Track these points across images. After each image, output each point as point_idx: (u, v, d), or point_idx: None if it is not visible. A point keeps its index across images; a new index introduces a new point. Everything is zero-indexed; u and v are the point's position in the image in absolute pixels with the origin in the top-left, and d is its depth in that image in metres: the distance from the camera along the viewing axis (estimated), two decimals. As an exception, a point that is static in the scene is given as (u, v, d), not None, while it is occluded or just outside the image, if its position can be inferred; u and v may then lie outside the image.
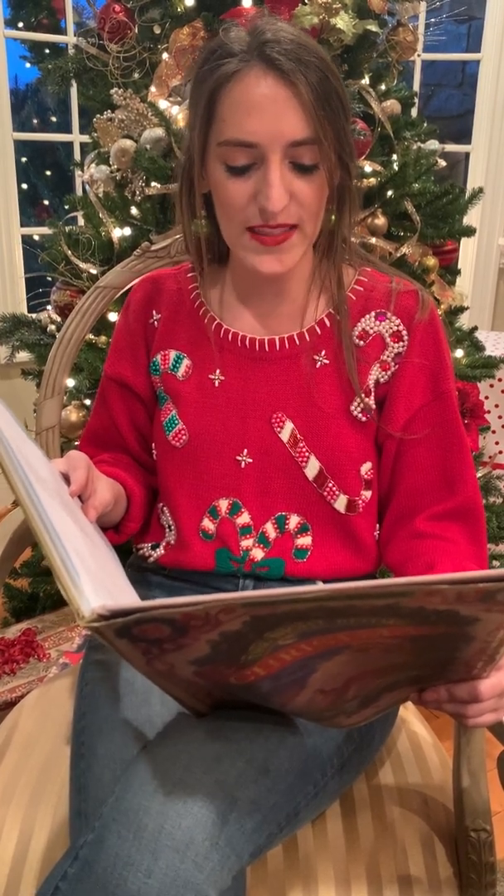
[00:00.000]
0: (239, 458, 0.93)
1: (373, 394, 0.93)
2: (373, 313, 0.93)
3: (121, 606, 0.54)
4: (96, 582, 0.61)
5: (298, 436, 0.92)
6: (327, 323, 0.94)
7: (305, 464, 0.92)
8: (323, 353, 0.93)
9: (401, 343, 0.92)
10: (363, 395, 0.91)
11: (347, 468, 0.92)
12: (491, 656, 0.65)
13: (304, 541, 0.93)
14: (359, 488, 0.93)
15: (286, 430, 0.92)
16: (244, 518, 0.93)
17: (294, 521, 0.93)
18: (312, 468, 0.92)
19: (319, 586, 0.52)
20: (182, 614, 0.54)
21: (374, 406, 0.93)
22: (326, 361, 0.93)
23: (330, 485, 0.92)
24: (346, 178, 0.88)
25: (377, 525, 0.98)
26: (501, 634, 0.61)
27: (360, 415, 0.92)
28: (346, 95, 0.85)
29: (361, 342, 0.93)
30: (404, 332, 0.92)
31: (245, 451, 0.93)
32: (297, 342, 0.93)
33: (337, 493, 0.92)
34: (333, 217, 0.92)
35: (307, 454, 0.92)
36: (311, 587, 0.52)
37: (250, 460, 0.93)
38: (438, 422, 0.93)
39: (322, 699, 0.69)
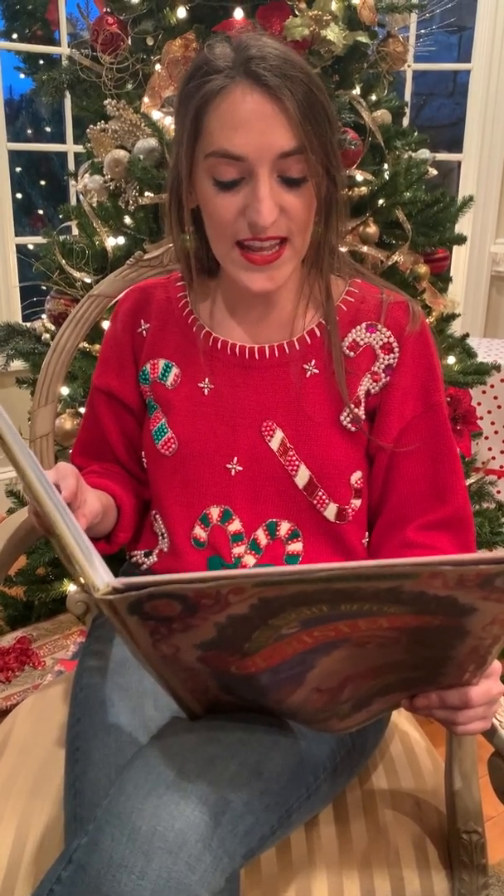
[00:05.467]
0: (229, 466, 0.94)
1: (363, 404, 0.93)
2: (363, 325, 0.94)
3: (135, 580, 0.54)
4: (104, 566, 0.62)
5: (288, 444, 0.92)
6: (317, 333, 0.94)
7: (295, 472, 0.92)
8: (313, 362, 0.94)
9: (391, 355, 0.93)
10: (352, 406, 0.92)
11: (337, 477, 0.93)
12: (483, 658, 0.66)
13: (296, 547, 0.94)
14: (348, 497, 0.94)
15: (276, 439, 0.93)
16: (235, 525, 0.94)
17: (285, 527, 0.94)
18: (302, 477, 0.92)
19: (327, 564, 0.53)
20: (194, 591, 0.54)
21: (363, 417, 0.93)
22: (316, 371, 0.94)
23: (320, 493, 0.93)
24: (333, 189, 0.89)
25: (366, 533, 0.98)
26: (495, 630, 0.62)
27: (349, 425, 0.93)
28: (331, 107, 0.86)
29: (352, 353, 0.93)
30: (395, 344, 0.93)
31: (235, 459, 0.94)
32: (287, 351, 0.94)
33: (327, 501, 0.93)
34: (320, 228, 0.93)
35: (297, 463, 0.92)
36: (320, 565, 0.53)
37: (240, 468, 0.94)
38: (429, 433, 0.94)
39: (317, 698, 0.69)
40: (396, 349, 0.93)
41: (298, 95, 0.80)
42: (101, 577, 0.58)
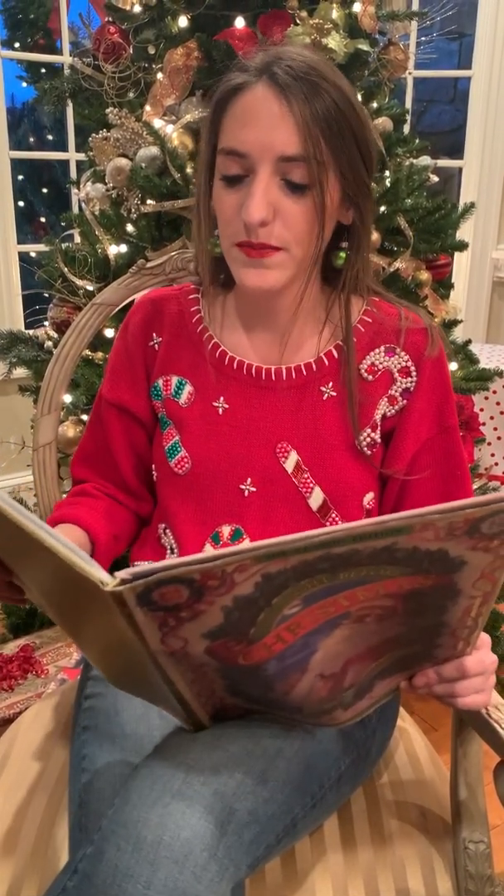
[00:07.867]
0: (242, 486, 0.92)
1: (379, 428, 0.93)
2: (382, 348, 0.93)
3: (141, 569, 0.55)
4: None
5: (303, 466, 0.91)
6: (335, 354, 0.93)
7: (310, 494, 0.91)
8: (330, 384, 0.92)
9: (409, 378, 0.92)
10: (368, 430, 0.92)
11: (350, 499, 0.92)
12: (475, 621, 0.68)
13: None
14: (360, 518, 0.93)
15: (290, 461, 0.92)
16: (246, 545, 0.93)
17: None
18: (316, 499, 0.91)
19: (324, 528, 0.55)
20: (201, 572, 0.55)
21: (379, 441, 0.93)
22: (333, 394, 0.92)
23: (333, 515, 0.92)
24: (358, 217, 0.88)
25: None
26: (484, 586, 0.64)
27: (365, 448, 0.92)
28: (361, 130, 0.83)
29: (370, 377, 0.92)
30: (413, 368, 0.92)
31: (248, 479, 0.92)
32: (304, 372, 0.93)
33: (339, 523, 0.92)
34: (344, 255, 0.92)
35: (312, 485, 0.91)
36: (318, 530, 0.55)
37: (254, 489, 0.92)
38: (443, 453, 0.94)
39: (322, 686, 0.70)
40: (414, 373, 0.92)
41: (315, 104, 0.79)
42: (104, 574, 0.58)
